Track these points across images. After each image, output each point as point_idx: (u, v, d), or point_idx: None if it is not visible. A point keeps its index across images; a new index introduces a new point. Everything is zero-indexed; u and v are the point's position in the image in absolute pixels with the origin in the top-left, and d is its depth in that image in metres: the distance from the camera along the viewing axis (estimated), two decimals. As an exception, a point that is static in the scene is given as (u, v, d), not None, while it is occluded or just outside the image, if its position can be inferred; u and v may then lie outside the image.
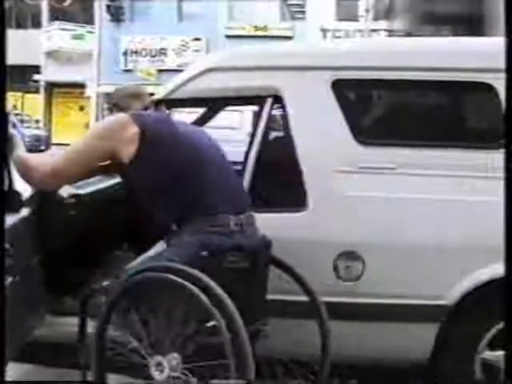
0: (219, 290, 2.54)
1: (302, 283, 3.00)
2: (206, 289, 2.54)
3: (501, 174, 2.84)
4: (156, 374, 2.58)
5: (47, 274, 3.24)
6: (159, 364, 2.58)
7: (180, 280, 2.56)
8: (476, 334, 3.11)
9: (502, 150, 2.98)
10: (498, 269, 2.93)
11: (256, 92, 3.37)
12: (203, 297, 2.51)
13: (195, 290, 2.52)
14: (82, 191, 3.64)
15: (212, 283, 2.56)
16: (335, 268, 3.13)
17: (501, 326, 3.03)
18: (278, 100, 3.31)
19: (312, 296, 2.98)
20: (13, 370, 2.99)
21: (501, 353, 3.05)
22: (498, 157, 3.01)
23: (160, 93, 3.47)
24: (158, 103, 3.44)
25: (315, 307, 2.96)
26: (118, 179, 4.29)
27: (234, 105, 4.24)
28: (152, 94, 3.60)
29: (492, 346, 3.11)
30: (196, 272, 2.59)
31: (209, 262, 2.67)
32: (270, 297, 2.97)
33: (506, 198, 2.48)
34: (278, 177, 3.36)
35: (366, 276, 3.11)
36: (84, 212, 3.50)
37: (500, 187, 2.80)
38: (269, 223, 3.21)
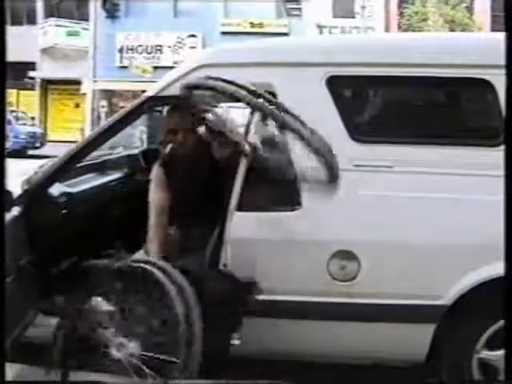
0: (180, 279, 2.85)
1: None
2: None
3: (498, 172, 2.80)
4: (115, 352, 2.83)
5: (38, 273, 3.20)
6: (121, 344, 2.85)
7: (148, 267, 2.90)
8: (473, 334, 3.08)
9: (499, 148, 2.96)
10: (494, 268, 2.90)
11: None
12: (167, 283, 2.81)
13: (159, 274, 2.85)
14: (73, 190, 3.60)
15: (174, 273, 2.88)
16: (330, 268, 3.08)
17: (498, 325, 3.01)
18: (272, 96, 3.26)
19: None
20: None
21: (498, 352, 3.03)
22: (495, 154, 2.97)
23: (152, 89, 3.42)
24: (149, 100, 3.39)
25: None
26: (111, 177, 4.26)
27: (226, 102, 4.17)
28: (144, 91, 3.56)
29: (489, 345, 3.08)
30: (161, 263, 2.94)
31: None
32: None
33: (506, 198, 2.43)
34: (272, 175, 3.31)
35: (362, 276, 3.07)
36: (76, 210, 3.46)
37: (497, 185, 2.77)
38: (263, 222, 3.18)
